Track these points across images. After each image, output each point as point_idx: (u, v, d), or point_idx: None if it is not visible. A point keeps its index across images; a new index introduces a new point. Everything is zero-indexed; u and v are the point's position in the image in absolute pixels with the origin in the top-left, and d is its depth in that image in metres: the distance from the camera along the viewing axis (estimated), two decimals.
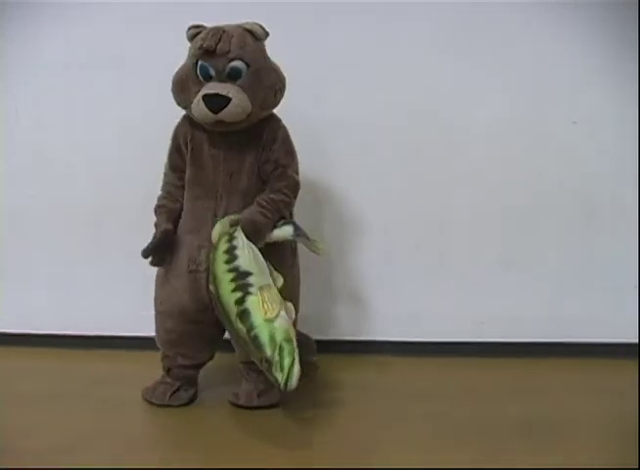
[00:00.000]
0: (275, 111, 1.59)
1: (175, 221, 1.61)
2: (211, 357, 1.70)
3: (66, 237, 2.10)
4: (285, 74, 1.57)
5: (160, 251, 1.58)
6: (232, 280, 1.39)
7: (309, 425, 1.56)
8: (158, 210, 1.62)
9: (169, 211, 1.61)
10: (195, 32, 1.52)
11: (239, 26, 1.50)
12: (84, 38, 2.00)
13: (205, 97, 1.45)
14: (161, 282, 1.63)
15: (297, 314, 1.52)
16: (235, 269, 1.41)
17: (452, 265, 2.01)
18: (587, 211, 1.96)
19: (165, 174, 1.65)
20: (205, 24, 1.52)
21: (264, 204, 1.52)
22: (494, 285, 2.00)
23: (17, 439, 1.51)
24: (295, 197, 1.59)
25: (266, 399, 1.61)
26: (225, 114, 1.45)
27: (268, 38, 1.55)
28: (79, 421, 1.60)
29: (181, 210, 1.62)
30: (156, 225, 1.60)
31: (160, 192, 1.65)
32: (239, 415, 1.60)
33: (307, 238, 1.58)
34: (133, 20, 1.97)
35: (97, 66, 2.00)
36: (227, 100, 1.44)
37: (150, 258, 1.58)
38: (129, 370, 1.93)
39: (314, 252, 1.59)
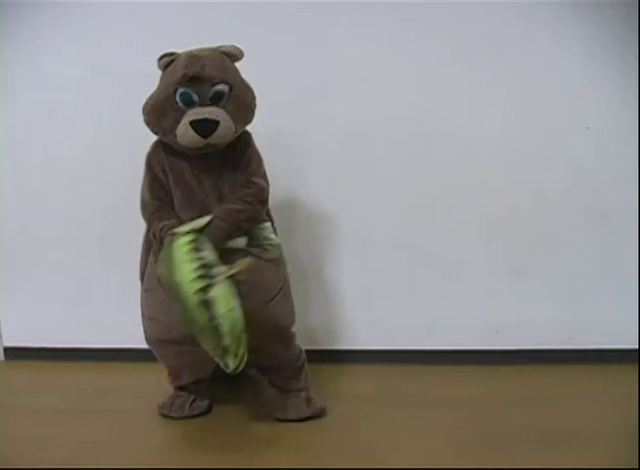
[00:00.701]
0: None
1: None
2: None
3: (76, 252, 2.12)
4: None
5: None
6: (195, 269, 1.39)
7: (327, 436, 1.56)
8: (162, 229, 1.55)
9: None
10: (168, 61, 1.51)
11: (215, 50, 1.50)
12: (92, 53, 2.02)
13: (194, 123, 1.45)
14: (161, 309, 1.57)
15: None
16: (199, 259, 1.40)
17: (465, 274, 1.99)
18: (599, 218, 1.93)
19: (147, 205, 1.60)
20: (176, 51, 1.51)
21: (224, 216, 1.51)
22: (508, 293, 1.98)
23: (31, 450, 1.53)
24: (260, 202, 1.58)
25: (314, 407, 1.63)
26: (215, 137, 1.47)
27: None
28: (92, 433, 1.62)
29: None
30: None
31: (152, 224, 1.59)
32: (251, 424, 1.63)
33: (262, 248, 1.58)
34: (142, 34, 1.98)
35: (106, 80, 2.01)
36: (216, 123, 1.46)
37: None
38: (140, 382, 1.93)
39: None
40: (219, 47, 1.52)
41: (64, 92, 2.05)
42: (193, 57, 1.48)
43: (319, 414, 1.63)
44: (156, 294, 1.59)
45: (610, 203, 1.93)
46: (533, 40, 1.88)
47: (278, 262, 1.63)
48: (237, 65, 1.57)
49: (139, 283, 2.05)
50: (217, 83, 1.47)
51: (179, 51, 1.53)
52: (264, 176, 1.61)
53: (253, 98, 1.57)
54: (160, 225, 1.55)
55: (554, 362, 1.94)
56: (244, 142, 1.59)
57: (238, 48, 1.53)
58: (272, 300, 1.57)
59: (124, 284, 2.08)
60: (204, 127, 1.45)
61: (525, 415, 1.62)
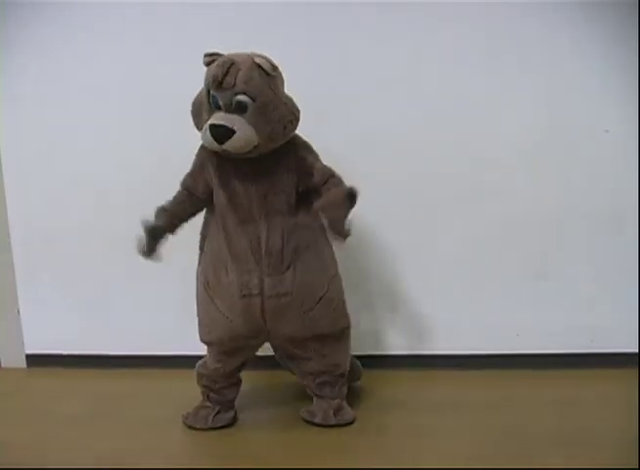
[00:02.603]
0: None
1: (169, 224, 1.62)
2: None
3: (98, 260, 2.12)
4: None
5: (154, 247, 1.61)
6: None
7: (354, 445, 1.57)
8: (158, 209, 1.63)
9: (168, 214, 1.62)
10: (209, 61, 1.51)
11: (250, 58, 1.48)
12: (115, 65, 2.02)
13: (212, 127, 1.46)
14: (206, 310, 1.62)
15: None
16: None
17: (486, 278, 1.99)
18: (619, 221, 1.92)
19: (180, 187, 1.65)
20: (219, 53, 1.51)
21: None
22: (528, 297, 1.97)
23: (53, 456, 1.55)
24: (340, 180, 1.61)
25: (342, 417, 1.64)
26: (229, 145, 1.46)
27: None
28: (114, 440, 1.63)
29: (183, 217, 1.63)
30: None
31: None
32: (278, 435, 1.63)
33: None
34: (169, 42, 1.98)
35: (133, 91, 2.02)
36: (231, 132, 1.45)
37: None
38: (163, 389, 1.95)
39: None
40: (255, 56, 1.49)
41: (88, 102, 2.05)
42: (224, 62, 1.46)
43: (345, 424, 1.63)
44: (202, 294, 1.63)
45: (629, 207, 1.91)
46: (553, 43, 1.87)
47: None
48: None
49: (160, 290, 2.08)
50: (238, 93, 1.45)
51: (225, 53, 1.52)
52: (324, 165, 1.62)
53: (290, 113, 1.53)
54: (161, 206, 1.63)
55: (575, 366, 1.92)
56: (295, 148, 1.59)
57: (268, 62, 1.48)
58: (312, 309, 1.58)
59: (146, 291, 2.10)
60: (219, 133, 1.45)
61: (547, 420, 1.62)
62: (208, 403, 1.69)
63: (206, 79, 1.49)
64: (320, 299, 1.58)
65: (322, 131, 1.81)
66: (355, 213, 1.95)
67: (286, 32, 1.94)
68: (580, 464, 1.38)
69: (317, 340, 1.62)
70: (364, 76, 1.94)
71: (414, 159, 1.96)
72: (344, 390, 1.70)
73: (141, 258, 1.98)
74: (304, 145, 1.62)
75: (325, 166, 1.61)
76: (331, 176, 1.59)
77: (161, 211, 1.63)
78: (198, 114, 1.55)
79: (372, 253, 2.02)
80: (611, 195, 1.92)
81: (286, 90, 1.56)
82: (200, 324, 1.65)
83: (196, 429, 1.67)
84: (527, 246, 1.96)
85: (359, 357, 1.84)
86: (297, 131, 1.60)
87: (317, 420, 1.64)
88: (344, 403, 1.68)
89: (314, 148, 1.63)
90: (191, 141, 1.81)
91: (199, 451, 1.61)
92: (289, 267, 1.54)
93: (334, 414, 1.64)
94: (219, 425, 1.66)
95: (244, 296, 1.54)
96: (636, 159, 1.88)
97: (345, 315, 1.68)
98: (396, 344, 2.05)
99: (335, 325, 1.63)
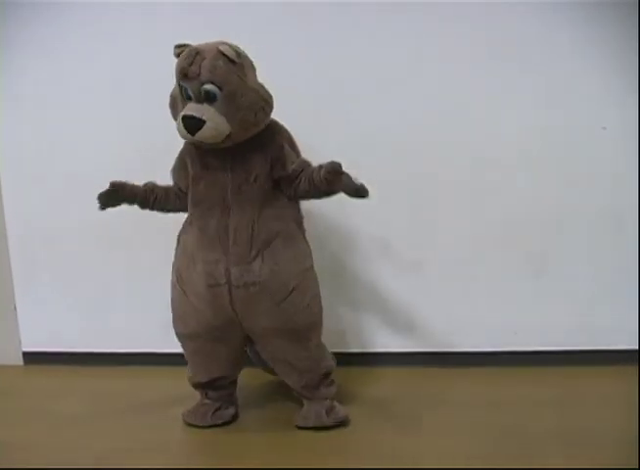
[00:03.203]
0: (300, 127, 1.59)
1: (146, 196, 1.66)
2: (239, 371, 1.71)
3: (95, 257, 2.12)
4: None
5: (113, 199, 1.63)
6: None
7: (349, 444, 1.57)
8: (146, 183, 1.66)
9: (150, 188, 1.66)
10: (179, 52, 1.51)
11: (215, 47, 1.47)
12: (114, 65, 2.02)
13: (184, 118, 1.46)
14: (179, 303, 1.62)
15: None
16: None
17: (484, 276, 1.99)
18: (618, 219, 1.93)
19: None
20: (189, 44, 1.51)
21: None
22: (527, 295, 1.98)
23: (51, 455, 1.54)
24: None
25: (335, 416, 1.62)
26: (200, 135, 1.46)
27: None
28: (112, 438, 1.62)
29: (161, 200, 1.66)
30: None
31: None
32: (277, 433, 1.62)
33: None
34: (164, 42, 1.95)
35: (127, 90, 2.02)
36: (202, 122, 1.45)
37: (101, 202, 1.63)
38: (161, 386, 1.94)
39: None
40: (219, 44, 1.48)
41: (87, 101, 2.05)
42: (189, 52, 1.47)
43: (339, 425, 1.61)
44: (175, 287, 1.63)
45: (629, 205, 1.92)
46: (553, 43, 1.88)
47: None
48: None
49: (157, 288, 2.07)
50: (205, 82, 1.45)
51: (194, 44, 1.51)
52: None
53: (261, 99, 1.52)
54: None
55: (573, 364, 1.93)
56: (273, 136, 1.57)
57: (233, 49, 1.47)
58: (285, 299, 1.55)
59: (143, 289, 2.10)
60: (190, 124, 1.46)
61: (546, 418, 1.62)
62: (207, 401, 1.68)
63: (175, 70, 1.49)
64: (292, 290, 1.55)
65: (322, 131, 1.83)
66: (355, 212, 1.98)
67: (286, 32, 1.94)
68: (580, 463, 1.38)
69: (292, 336, 1.57)
70: (364, 76, 1.94)
71: (414, 159, 1.96)
72: (333, 389, 1.67)
73: (140, 257, 1.99)
74: (284, 134, 1.60)
75: (303, 159, 1.59)
76: (308, 166, 1.56)
77: (149, 183, 1.67)
78: (174, 106, 1.56)
79: (371, 251, 2.02)
80: (610, 194, 1.93)
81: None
82: (174, 318, 1.64)
83: (196, 426, 1.66)
84: (527, 245, 1.97)
85: (360, 355, 1.85)
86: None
87: (311, 423, 1.61)
88: (335, 403, 1.65)
89: (295, 141, 1.62)
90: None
91: (198, 450, 1.61)
92: (256, 257, 1.52)
93: (326, 414, 1.61)
94: (219, 422, 1.65)
95: (210, 286, 1.53)
96: (636, 158, 1.89)
97: (319, 310, 1.64)
98: (394, 341, 2.05)
99: (309, 319, 1.59)
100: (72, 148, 2.08)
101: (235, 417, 1.69)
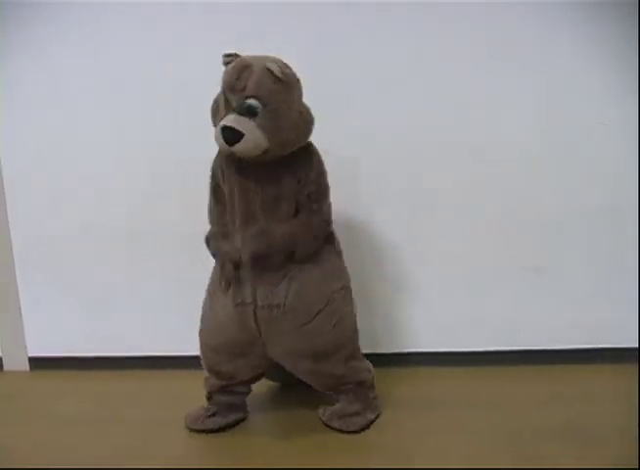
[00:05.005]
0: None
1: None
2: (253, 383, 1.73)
3: (100, 262, 2.13)
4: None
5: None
6: None
7: (355, 444, 1.57)
8: (214, 236, 1.61)
9: (225, 235, 1.59)
10: (227, 61, 1.51)
11: (263, 63, 1.46)
12: (114, 64, 2.02)
13: (223, 128, 1.46)
14: (207, 315, 1.64)
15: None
16: None
17: (486, 275, 2.00)
18: (617, 216, 1.93)
19: (212, 210, 1.64)
20: (237, 54, 1.51)
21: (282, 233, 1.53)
22: (529, 294, 1.98)
23: (56, 458, 1.55)
24: (322, 238, 1.60)
25: (346, 425, 1.63)
26: (237, 148, 1.46)
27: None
28: (117, 441, 1.63)
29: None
30: (217, 249, 1.59)
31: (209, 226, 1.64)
32: (280, 437, 1.63)
33: None
34: (165, 44, 1.98)
35: (126, 92, 2.02)
36: (240, 135, 1.44)
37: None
38: (165, 390, 1.95)
39: None
40: (268, 60, 1.47)
41: (87, 103, 2.05)
42: (238, 64, 1.47)
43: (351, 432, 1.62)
44: (205, 302, 1.65)
45: (628, 202, 1.92)
46: (553, 43, 1.87)
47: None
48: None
49: (163, 292, 2.08)
50: (249, 97, 1.45)
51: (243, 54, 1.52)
52: (329, 208, 1.61)
53: (302, 122, 1.52)
54: (213, 231, 1.62)
55: (573, 362, 1.94)
56: (305, 161, 1.57)
57: (278, 67, 1.45)
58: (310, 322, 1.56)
59: (148, 292, 2.11)
60: (228, 134, 1.45)
61: (546, 415, 1.63)
62: (208, 406, 1.69)
63: (222, 81, 1.49)
64: (317, 313, 1.55)
65: (322, 131, 1.82)
66: (354, 210, 1.98)
67: (285, 32, 1.93)
68: (581, 460, 1.39)
69: (315, 357, 1.58)
70: (364, 76, 1.94)
71: (413, 158, 1.96)
72: (370, 394, 1.68)
73: (142, 259, 1.99)
74: (318, 161, 1.59)
75: (324, 218, 1.60)
76: (315, 201, 1.57)
77: (219, 235, 1.60)
78: (215, 113, 1.55)
79: (370, 250, 2.03)
80: (610, 194, 1.93)
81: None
82: (201, 327, 1.65)
83: (190, 430, 1.67)
84: (527, 243, 1.97)
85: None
86: None
87: (332, 422, 1.64)
88: (369, 414, 1.66)
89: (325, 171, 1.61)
90: (190, 141, 1.82)
91: (200, 453, 1.61)
92: (284, 278, 1.53)
93: (339, 418, 1.63)
94: (209, 428, 1.66)
95: (237, 304, 1.54)
96: (635, 157, 1.89)
97: (351, 331, 1.63)
98: (395, 341, 2.05)
99: (334, 341, 1.58)
100: (73, 148, 2.08)
101: (234, 424, 1.69)
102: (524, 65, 1.90)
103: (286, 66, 1.50)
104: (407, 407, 1.74)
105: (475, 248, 1.99)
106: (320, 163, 1.60)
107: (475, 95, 1.92)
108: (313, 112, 1.57)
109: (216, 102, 1.54)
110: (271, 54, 1.52)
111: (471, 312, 2.01)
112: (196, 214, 1.67)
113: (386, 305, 2.05)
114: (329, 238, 1.64)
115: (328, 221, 1.62)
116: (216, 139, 1.49)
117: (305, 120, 1.53)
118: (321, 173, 1.59)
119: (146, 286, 2.10)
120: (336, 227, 1.67)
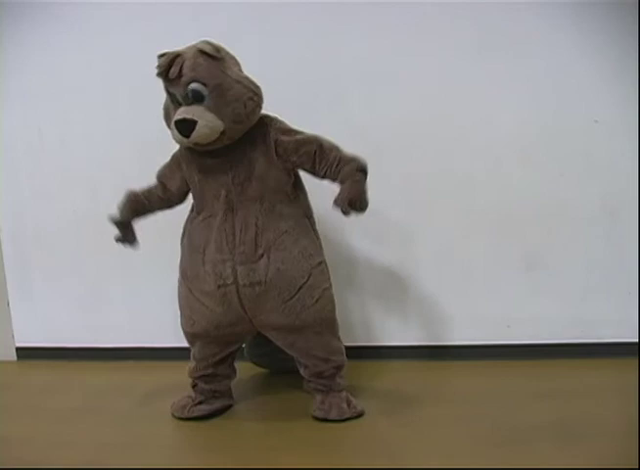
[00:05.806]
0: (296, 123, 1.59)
1: (135, 212, 1.67)
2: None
3: (89, 251, 2.11)
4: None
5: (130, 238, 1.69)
6: None
7: (339, 434, 1.57)
8: (127, 195, 1.66)
9: (136, 200, 1.65)
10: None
11: (193, 47, 1.48)
12: (104, 58, 2.01)
13: (176, 123, 1.46)
14: (185, 302, 1.62)
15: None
16: None
17: (477, 269, 2.00)
18: (612, 212, 1.94)
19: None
20: (170, 51, 1.49)
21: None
22: (519, 287, 1.99)
23: (45, 451, 1.53)
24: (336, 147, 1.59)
25: (355, 409, 1.63)
26: (195, 136, 1.45)
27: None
28: (107, 433, 1.62)
29: (147, 208, 1.67)
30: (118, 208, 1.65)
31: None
32: (270, 425, 1.62)
33: None
34: (156, 37, 1.94)
35: (121, 83, 2.01)
36: (193, 122, 1.44)
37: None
38: (156, 381, 1.94)
39: None
40: (197, 44, 1.48)
41: (78, 95, 2.04)
42: (168, 56, 1.47)
43: (358, 416, 1.62)
44: (181, 285, 1.64)
45: (623, 198, 1.93)
46: (552, 43, 1.88)
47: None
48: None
49: (152, 283, 2.07)
50: (189, 82, 1.45)
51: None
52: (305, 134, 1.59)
53: (247, 90, 1.50)
54: (132, 190, 1.67)
55: (566, 356, 1.95)
56: (267, 128, 1.56)
57: (211, 45, 1.47)
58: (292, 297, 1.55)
59: (138, 283, 2.10)
60: (183, 127, 1.45)
61: (540, 411, 1.63)
62: (192, 394, 1.69)
63: (158, 77, 1.49)
64: (300, 288, 1.55)
65: (314, 128, 1.81)
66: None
67: (281, 30, 1.93)
68: (576, 456, 1.39)
69: (303, 331, 1.58)
70: (358, 72, 1.93)
71: (408, 154, 1.96)
72: (345, 381, 1.68)
73: (131, 250, 1.98)
74: (275, 125, 1.58)
75: (306, 137, 1.57)
76: (319, 147, 1.55)
77: (130, 197, 1.66)
78: (167, 116, 1.56)
79: (365, 244, 2.03)
80: (604, 187, 1.93)
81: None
82: (182, 316, 1.64)
83: (187, 419, 1.66)
84: (522, 238, 1.97)
85: (351, 348, 1.84)
86: (291, 123, 1.58)
87: (334, 416, 1.60)
88: (349, 395, 1.66)
89: (288, 125, 1.59)
90: None
91: (191, 444, 1.60)
92: (262, 256, 1.53)
93: (347, 406, 1.62)
94: (194, 415, 1.65)
95: (219, 286, 1.54)
96: (632, 152, 1.89)
97: (331, 305, 1.63)
98: (388, 335, 2.06)
99: (319, 315, 1.59)
100: (64, 142, 2.07)
101: (215, 413, 1.68)
102: (520, 60, 1.89)
103: (214, 43, 1.50)
104: (395, 401, 1.73)
105: (467, 241, 1.99)
106: (278, 122, 1.58)
107: (469, 90, 1.92)
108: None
109: (166, 107, 1.56)
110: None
111: (463, 306, 2.02)
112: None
113: (375, 298, 2.05)
114: (307, 212, 1.63)
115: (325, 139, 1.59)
116: (174, 137, 1.50)
117: (249, 89, 1.51)
118: (286, 131, 1.58)
119: (136, 277, 2.09)
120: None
